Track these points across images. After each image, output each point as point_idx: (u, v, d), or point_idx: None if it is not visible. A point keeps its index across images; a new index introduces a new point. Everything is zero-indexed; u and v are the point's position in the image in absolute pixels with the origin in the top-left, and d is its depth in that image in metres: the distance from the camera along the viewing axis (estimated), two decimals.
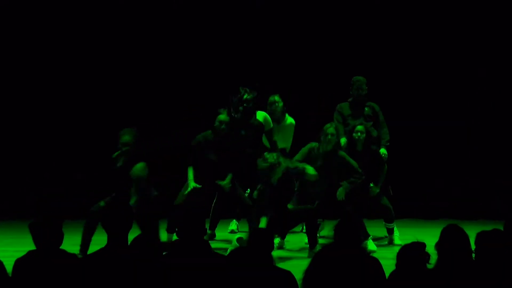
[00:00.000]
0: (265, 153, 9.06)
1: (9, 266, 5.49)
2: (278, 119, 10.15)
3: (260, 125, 9.76)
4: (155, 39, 11.98)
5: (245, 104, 9.64)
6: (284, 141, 10.28)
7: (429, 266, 5.32)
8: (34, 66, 11.98)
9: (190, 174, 9.30)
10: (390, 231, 9.85)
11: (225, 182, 9.26)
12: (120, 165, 8.62)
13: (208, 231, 9.86)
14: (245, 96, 9.66)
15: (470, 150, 11.63)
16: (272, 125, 9.96)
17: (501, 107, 11.71)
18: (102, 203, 8.65)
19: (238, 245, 8.78)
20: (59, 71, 11.97)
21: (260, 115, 9.95)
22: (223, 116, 9.32)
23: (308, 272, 5.39)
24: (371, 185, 9.64)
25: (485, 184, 11.57)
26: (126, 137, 8.68)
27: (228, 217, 10.51)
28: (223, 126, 9.29)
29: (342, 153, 9.48)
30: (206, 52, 11.98)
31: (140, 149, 8.67)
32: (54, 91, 11.96)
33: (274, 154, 9.02)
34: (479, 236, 5.38)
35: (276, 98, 10.12)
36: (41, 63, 11.98)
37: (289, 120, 10.34)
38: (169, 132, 11.29)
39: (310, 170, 9.12)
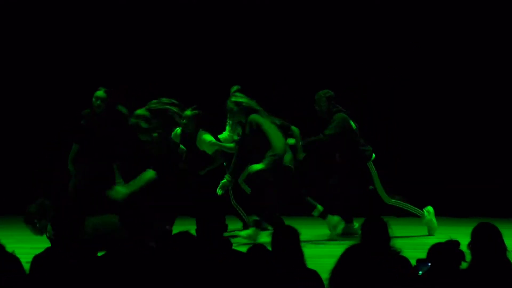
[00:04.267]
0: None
1: (26, 263, 5.38)
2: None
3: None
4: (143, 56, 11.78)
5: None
6: None
7: (463, 266, 5.15)
8: (35, 66, 11.87)
9: None
10: None
11: None
12: None
13: None
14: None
15: (503, 146, 11.39)
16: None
17: None
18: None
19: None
20: (60, 70, 11.85)
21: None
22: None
23: (334, 272, 5.24)
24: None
25: None
26: None
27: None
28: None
29: None
30: (204, 52, 11.74)
31: None
32: (53, 90, 11.86)
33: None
34: None
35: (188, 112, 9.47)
36: (42, 61, 11.85)
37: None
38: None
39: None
